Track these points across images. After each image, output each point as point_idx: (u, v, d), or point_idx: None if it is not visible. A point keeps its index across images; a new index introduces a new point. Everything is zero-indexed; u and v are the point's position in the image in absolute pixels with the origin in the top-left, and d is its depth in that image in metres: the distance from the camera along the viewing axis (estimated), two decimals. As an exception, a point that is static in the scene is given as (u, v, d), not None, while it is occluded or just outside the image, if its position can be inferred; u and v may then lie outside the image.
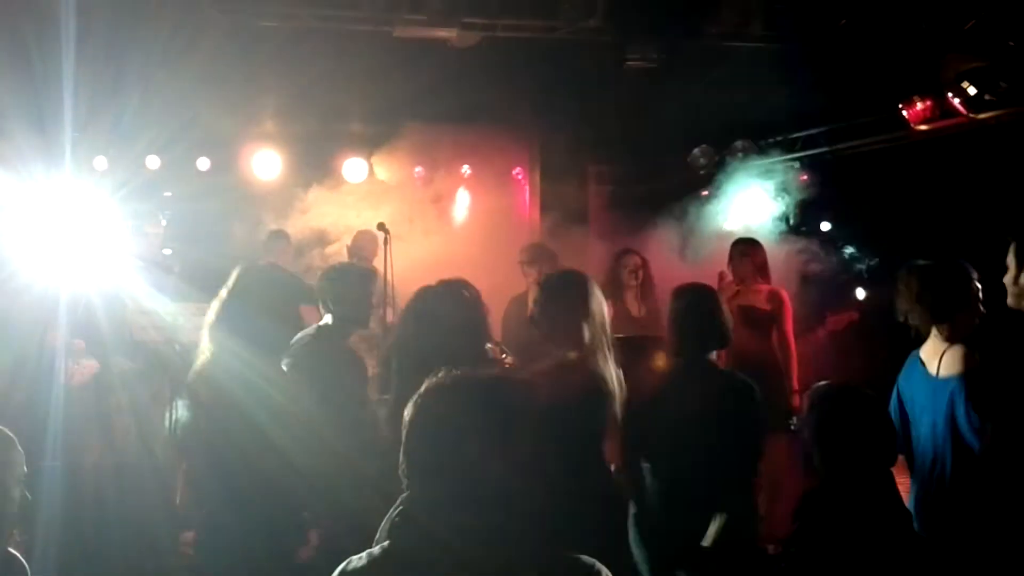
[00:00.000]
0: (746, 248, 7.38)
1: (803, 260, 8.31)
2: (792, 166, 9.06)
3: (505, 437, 2.04)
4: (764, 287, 7.32)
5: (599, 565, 2.07)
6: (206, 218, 8.84)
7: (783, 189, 8.99)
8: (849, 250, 9.12)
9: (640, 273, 7.46)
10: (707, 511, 4.32)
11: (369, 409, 4.92)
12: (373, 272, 6.09)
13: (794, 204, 8.81)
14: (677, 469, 4.36)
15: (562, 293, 4.12)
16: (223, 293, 4.20)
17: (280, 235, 8.21)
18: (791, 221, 8.74)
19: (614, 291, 7.61)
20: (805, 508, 3.13)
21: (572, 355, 4.00)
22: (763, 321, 7.18)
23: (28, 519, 3.14)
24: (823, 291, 8.13)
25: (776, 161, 9.08)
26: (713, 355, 4.46)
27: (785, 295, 7.31)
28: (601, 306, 4.12)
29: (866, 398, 3.13)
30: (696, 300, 4.49)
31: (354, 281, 5.03)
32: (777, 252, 8.11)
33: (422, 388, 2.12)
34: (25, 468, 3.14)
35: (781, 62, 8.14)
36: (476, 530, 1.99)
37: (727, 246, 7.48)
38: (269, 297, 4.19)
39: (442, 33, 6.79)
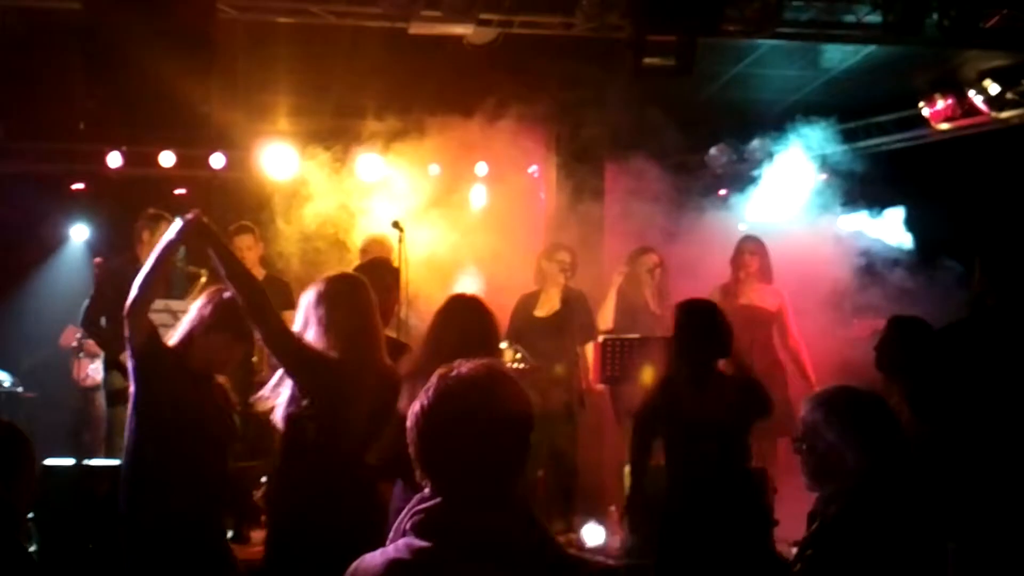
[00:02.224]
0: (753, 247, 7.34)
1: (848, 255, 8.12)
2: (813, 161, 9.00)
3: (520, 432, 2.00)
4: (766, 286, 7.29)
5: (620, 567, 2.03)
6: (220, 215, 8.79)
7: (805, 182, 8.94)
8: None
9: (656, 272, 7.42)
10: (723, 511, 4.47)
11: None
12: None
13: (816, 198, 8.74)
14: (694, 470, 4.57)
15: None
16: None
17: (244, 228, 7.45)
18: (815, 215, 8.66)
19: (631, 288, 7.56)
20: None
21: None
22: (766, 320, 7.13)
23: (39, 516, 3.12)
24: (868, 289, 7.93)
25: (797, 157, 9.00)
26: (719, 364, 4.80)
27: (784, 294, 7.27)
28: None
29: (880, 403, 3.12)
30: (698, 316, 4.80)
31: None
32: (809, 246, 8.02)
33: (434, 383, 2.03)
34: (37, 467, 3.13)
35: (800, 58, 8.07)
36: (506, 530, 1.95)
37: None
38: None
39: (458, 29, 6.73)
